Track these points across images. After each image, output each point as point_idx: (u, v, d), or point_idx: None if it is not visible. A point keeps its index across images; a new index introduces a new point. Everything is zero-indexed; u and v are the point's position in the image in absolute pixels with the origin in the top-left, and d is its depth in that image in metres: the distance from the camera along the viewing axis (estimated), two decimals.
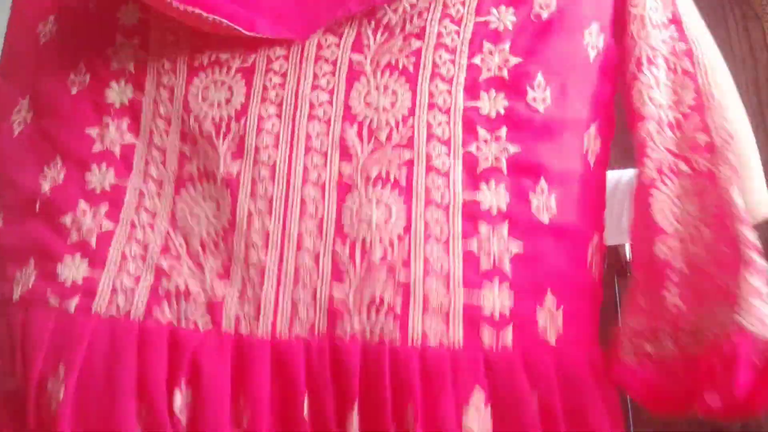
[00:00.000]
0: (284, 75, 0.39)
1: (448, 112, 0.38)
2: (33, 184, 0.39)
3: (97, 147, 0.40)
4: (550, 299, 0.36)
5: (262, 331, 0.35)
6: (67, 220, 0.38)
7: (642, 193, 0.38)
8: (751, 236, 0.34)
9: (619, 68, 0.41)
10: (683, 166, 0.38)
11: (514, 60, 0.38)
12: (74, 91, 0.41)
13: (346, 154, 0.37)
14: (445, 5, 0.39)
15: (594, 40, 0.40)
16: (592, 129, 0.39)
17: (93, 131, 0.40)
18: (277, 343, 0.35)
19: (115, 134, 0.40)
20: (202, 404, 0.34)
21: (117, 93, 0.41)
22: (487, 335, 0.34)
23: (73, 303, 0.36)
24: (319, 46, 0.40)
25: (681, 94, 0.39)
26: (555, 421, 0.33)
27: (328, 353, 0.34)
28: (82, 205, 0.38)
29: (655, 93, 0.39)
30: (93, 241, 0.37)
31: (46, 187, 0.39)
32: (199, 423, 0.34)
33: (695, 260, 0.35)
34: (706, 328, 0.33)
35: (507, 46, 0.39)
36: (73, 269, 0.37)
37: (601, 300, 0.38)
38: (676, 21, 0.42)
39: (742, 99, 1.14)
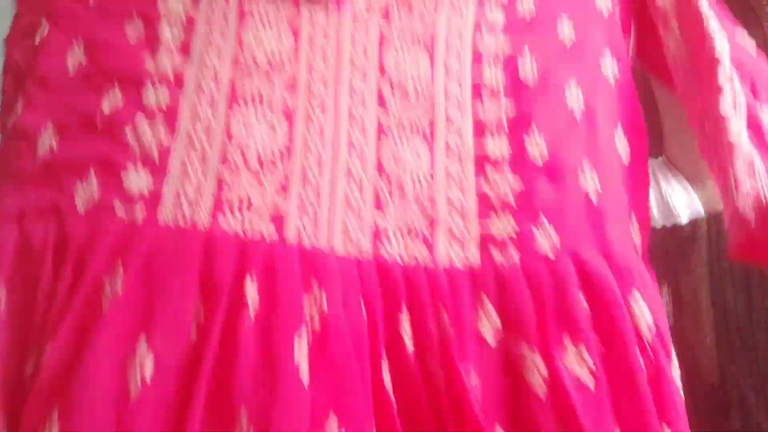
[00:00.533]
0: (326, 31, 0.45)
1: (459, 79, 0.46)
2: (93, 107, 0.41)
3: (149, 66, 0.42)
4: (546, 224, 0.43)
5: (323, 245, 0.40)
6: (127, 132, 0.40)
7: (722, 120, 0.45)
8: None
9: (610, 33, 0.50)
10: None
11: (507, 43, 0.48)
12: (133, 39, 0.44)
13: (381, 101, 0.45)
14: (451, 2, 0.48)
15: (566, 30, 0.49)
16: (573, 90, 0.47)
17: (146, 54, 0.42)
18: (336, 257, 0.40)
19: (167, 59, 0.43)
20: (275, 298, 0.36)
21: (169, 32, 0.44)
22: (497, 255, 0.42)
23: (139, 212, 0.38)
24: (354, 15, 0.46)
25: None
26: (545, 317, 0.40)
27: (375, 271, 0.41)
28: (140, 118, 0.40)
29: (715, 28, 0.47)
30: (154, 153, 0.40)
31: (106, 109, 0.41)
32: (272, 313, 0.36)
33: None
34: None
35: (500, 33, 0.48)
36: (137, 179, 0.39)
37: (605, 216, 0.45)
38: None
39: None
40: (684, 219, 0.60)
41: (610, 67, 0.49)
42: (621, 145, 0.48)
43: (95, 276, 0.35)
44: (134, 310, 0.35)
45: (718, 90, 0.44)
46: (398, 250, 0.42)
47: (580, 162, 0.46)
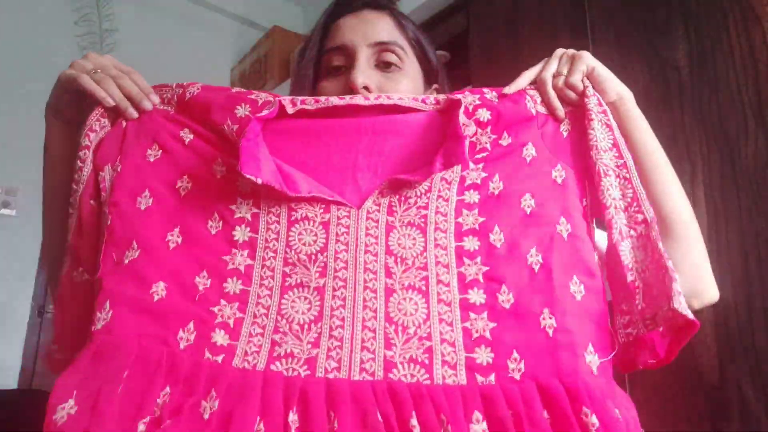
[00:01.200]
0: (347, 227, 0.63)
1: (446, 248, 0.63)
2: (190, 281, 0.61)
3: (229, 267, 0.62)
4: (515, 354, 0.58)
5: (343, 377, 0.56)
6: (215, 309, 0.60)
7: (613, 248, 0.63)
8: (670, 264, 0.59)
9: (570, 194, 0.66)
10: (632, 233, 0.63)
11: (481, 219, 0.64)
12: (213, 232, 0.63)
13: (388, 272, 0.62)
14: (439, 190, 0.65)
15: (528, 202, 0.65)
16: (533, 251, 0.63)
17: (227, 257, 0.62)
18: (353, 385, 0.56)
19: (240, 259, 0.62)
20: (310, 422, 0.53)
21: (240, 233, 0.63)
22: (479, 377, 0.57)
23: (221, 358, 0.57)
24: (367, 211, 0.64)
25: (625, 191, 0.65)
26: (521, 425, 0.54)
27: (387, 391, 0.55)
28: (223, 302, 0.60)
29: (611, 191, 0.64)
30: (231, 323, 0.59)
31: (201, 288, 0.61)
32: (306, 427, 0.53)
33: (647, 279, 0.61)
34: (658, 315, 0.59)
35: (476, 210, 0.65)
36: (220, 338, 0.58)
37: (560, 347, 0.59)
38: (615, 144, 0.66)
39: (742, 99, 1.14)
40: None
41: (564, 228, 0.64)
42: (575, 288, 0.61)
43: (198, 399, 0.54)
44: (223, 420, 0.53)
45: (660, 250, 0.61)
46: (404, 373, 0.57)
47: (539, 306, 0.60)
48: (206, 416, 0.53)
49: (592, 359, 0.58)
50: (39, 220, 0.72)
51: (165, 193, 0.65)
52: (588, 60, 0.70)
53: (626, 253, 0.62)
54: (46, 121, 0.71)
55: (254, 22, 2.71)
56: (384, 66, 0.79)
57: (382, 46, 0.79)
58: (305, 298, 0.60)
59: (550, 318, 0.59)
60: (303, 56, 0.85)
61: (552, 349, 0.58)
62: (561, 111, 0.69)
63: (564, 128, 0.69)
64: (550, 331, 0.59)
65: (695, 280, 0.71)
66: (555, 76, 0.70)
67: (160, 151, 0.66)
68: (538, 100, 0.69)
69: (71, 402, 0.51)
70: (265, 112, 0.64)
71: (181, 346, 0.57)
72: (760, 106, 1.01)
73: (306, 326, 0.59)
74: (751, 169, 1.01)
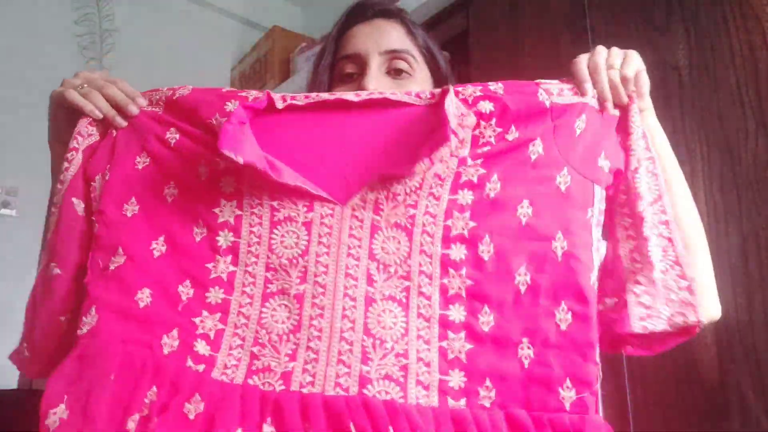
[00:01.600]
0: (330, 227, 0.60)
1: (431, 255, 0.60)
2: (173, 289, 0.60)
3: (212, 275, 0.61)
4: (487, 382, 0.56)
5: (317, 392, 0.55)
6: (197, 321, 0.59)
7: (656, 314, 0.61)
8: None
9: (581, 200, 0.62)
10: (672, 296, 0.62)
11: (472, 224, 0.60)
12: (198, 239, 0.62)
13: (369, 280, 0.59)
14: (430, 187, 0.61)
15: (525, 210, 0.61)
16: (522, 269, 0.59)
17: (210, 265, 0.61)
18: (326, 399, 0.55)
19: (223, 266, 0.61)
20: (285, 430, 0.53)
21: (223, 239, 0.62)
22: (450, 401, 0.56)
23: (202, 368, 0.57)
24: (353, 209, 0.61)
25: (666, 252, 0.63)
26: None
27: (361, 405, 0.54)
28: (205, 313, 0.60)
29: (654, 252, 0.61)
30: (212, 335, 0.59)
31: (184, 298, 0.60)
32: None
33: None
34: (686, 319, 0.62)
35: (468, 213, 0.60)
36: (201, 348, 0.58)
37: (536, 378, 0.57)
38: (660, 198, 0.64)
39: (742, 99, 1.14)
40: None
41: (560, 244, 0.59)
42: (561, 315, 0.58)
43: (183, 399, 0.55)
44: (206, 422, 0.54)
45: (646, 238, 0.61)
46: (379, 390, 0.55)
47: (518, 335, 0.57)
48: (191, 417, 0.54)
49: (567, 394, 0.56)
50: (39, 220, 0.73)
51: (152, 200, 0.65)
52: (639, 60, 0.67)
53: (663, 316, 0.61)
54: (50, 149, 0.73)
55: (254, 22, 2.70)
56: (395, 73, 0.82)
57: (393, 54, 0.81)
58: (285, 306, 0.59)
59: (529, 348, 0.57)
60: (318, 63, 0.87)
61: (525, 381, 0.57)
62: (611, 102, 0.65)
63: (579, 125, 0.64)
64: (526, 362, 0.57)
65: (698, 297, 0.70)
66: (608, 67, 0.66)
67: (149, 158, 0.67)
68: (555, 92, 0.65)
69: (62, 407, 0.52)
70: (252, 101, 0.64)
71: (165, 351, 0.58)
72: (760, 106, 1.01)
73: (285, 337, 0.58)
74: (751, 169, 1.01)
